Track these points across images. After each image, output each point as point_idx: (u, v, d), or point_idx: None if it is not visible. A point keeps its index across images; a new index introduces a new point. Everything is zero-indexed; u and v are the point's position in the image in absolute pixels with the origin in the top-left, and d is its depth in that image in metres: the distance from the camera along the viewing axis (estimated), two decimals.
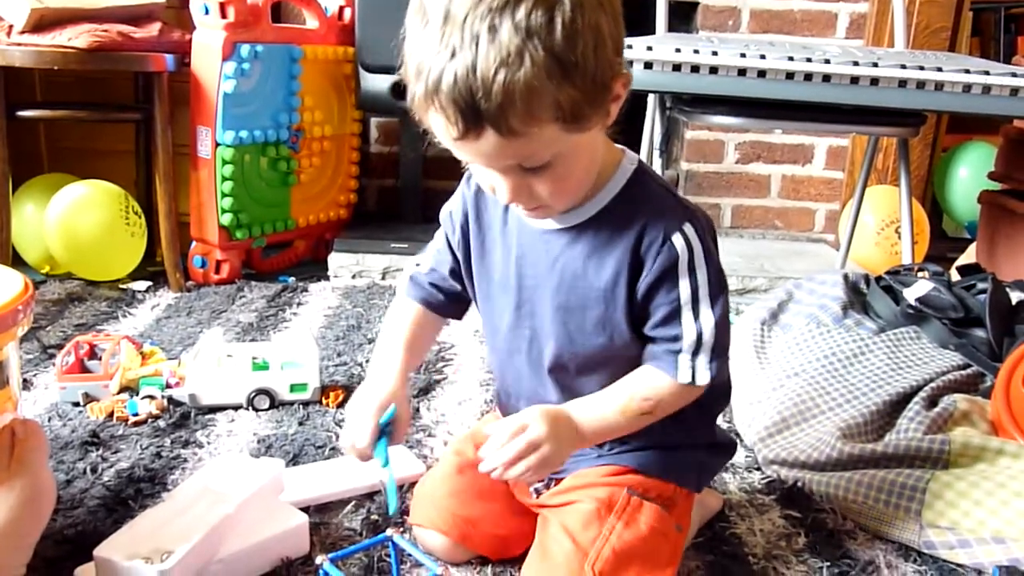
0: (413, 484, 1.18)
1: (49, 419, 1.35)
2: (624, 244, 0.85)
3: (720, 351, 0.88)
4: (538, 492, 0.99)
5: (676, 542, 0.96)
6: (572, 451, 0.88)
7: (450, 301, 1.02)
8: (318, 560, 0.85)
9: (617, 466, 0.95)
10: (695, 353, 0.87)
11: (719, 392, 0.99)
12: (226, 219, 2.05)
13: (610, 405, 0.88)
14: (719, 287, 0.87)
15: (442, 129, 0.74)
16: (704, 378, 0.87)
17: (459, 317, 1.04)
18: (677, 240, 0.84)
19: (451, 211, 0.97)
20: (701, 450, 1.00)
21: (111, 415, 1.36)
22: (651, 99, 1.74)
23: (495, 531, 1.00)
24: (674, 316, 0.86)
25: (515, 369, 0.97)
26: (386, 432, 0.90)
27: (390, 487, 0.88)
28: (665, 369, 0.88)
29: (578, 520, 0.91)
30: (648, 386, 0.88)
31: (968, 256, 2.16)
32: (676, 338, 0.87)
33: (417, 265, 1.02)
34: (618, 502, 0.92)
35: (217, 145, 2.01)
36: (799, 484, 1.22)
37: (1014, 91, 1.47)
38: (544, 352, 0.92)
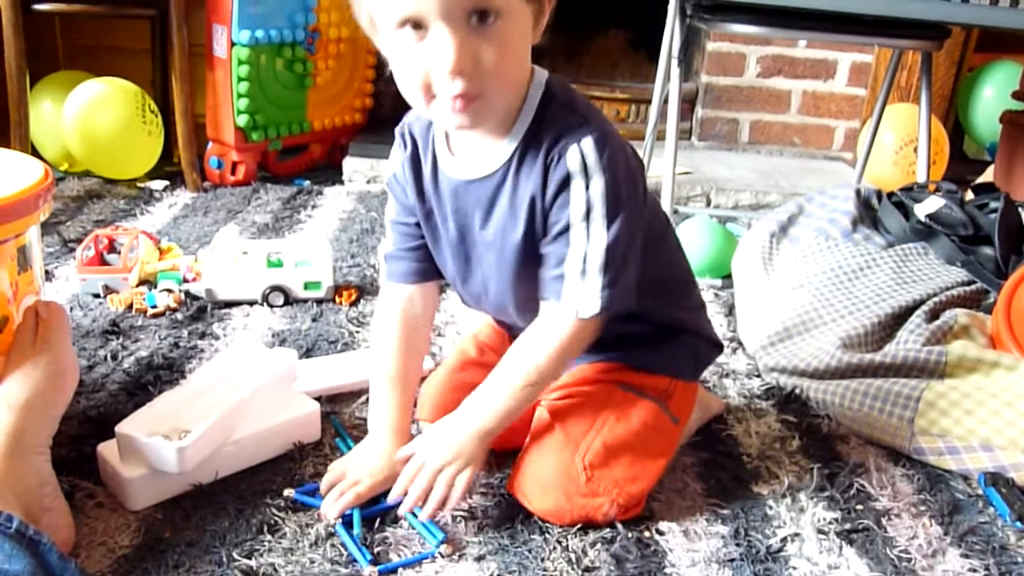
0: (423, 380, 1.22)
1: (71, 309, 1.39)
2: (536, 173, 0.84)
3: (613, 276, 0.83)
4: None
5: (672, 434, 1.00)
6: (483, 449, 0.90)
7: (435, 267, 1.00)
8: (286, 493, 0.93)
9: (610, 363, 0.98)
10: (583, 274, 0.83)
11: (687, 278, 1.03)
12: (242, 120, 2.06)
13: (499, 398, 0.89)
14: (617, 205, 0.83)
15: None
16: (591, 308, 0.84)
17: None
18: (572, 154, 0.82)
19: (394, 173, 0.96)
20: (692, 336, 1.03)
21: (130, 307, 1.40)
22: (671, 5, 1.71)
23: None
24: (563, 232, 0.84)
25: (484, 308, 1.00)
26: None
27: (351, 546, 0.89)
28: (552, 298, 0.86)
29: (570, 415, 0.95)
30: (525, 365, 0.88)
31: (987, 177, 2.14)
32: (561, 259, 0.84)
33: (387, 250, 1.01)
34: (611, 398, 0.96)
35: (233, 44, 2.00)
36: (797, 391, 1.25)
37: None
38: (503, 296, 0.94)
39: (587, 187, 0.82)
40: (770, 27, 1.55)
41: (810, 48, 2.51)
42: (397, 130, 0.94)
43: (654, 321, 0.98)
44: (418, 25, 0.75)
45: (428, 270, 0.99)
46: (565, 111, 0.85)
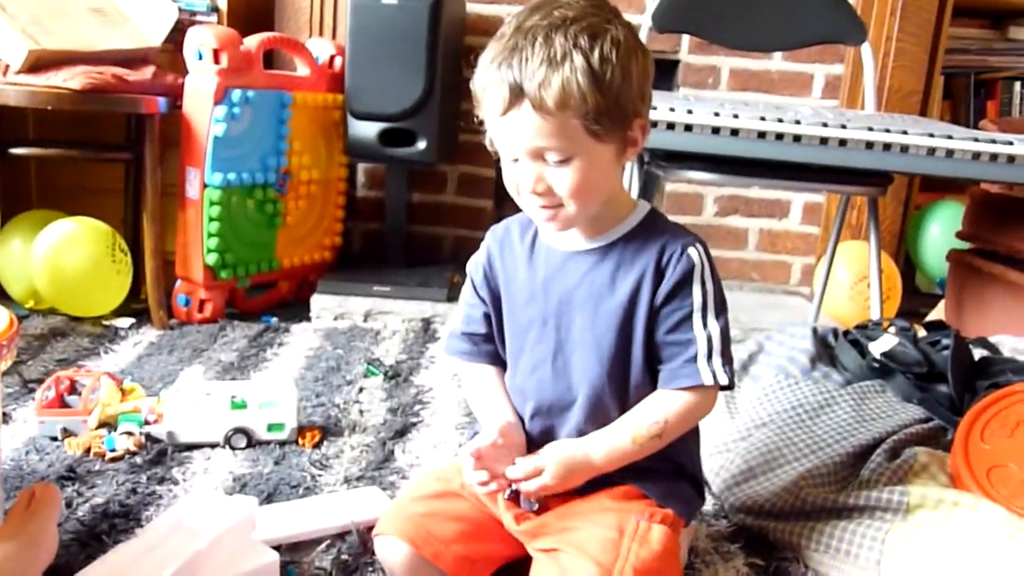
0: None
1: (27, 453, 1.36)
2: (646, 258, 0.99)
3: (728, 358, 0.99)
4: (535, 512, 1.02)
5: (679, 564, 1.02)
6: (583, 480, 1.00)
7: (494, 350, 1.10)
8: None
9: (622, 486, 1.02)
10: (709, 357, 0.97)
11: (698, 426, 1.08)
12: (211, 259, 2.08)
13: (621, 434, 0.98)
14: (723, 303, 1.00)
15: (492, 104, 0.92)
16: (724, 378, 0.97)
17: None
18: (693, 252, 0.98)
19: (476, 260, 1.11)
20: (693, 481, 1.08)
21: (88, 450, 1.37)
22: None
23: (465, 553, 1.01)
24: (686, 320, 0.97)
25: (537, 383, 1.04)
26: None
27: None
28: (687, 377, 0.97)
29: (594, 544, 0.94)
30: (654, 414, 0.98)
31: (938, 312, 2.21)
32: (689, 342, 0.97)
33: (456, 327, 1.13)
34: (628, 526, 0.97)
35: (205, 186, 2.04)
36: (763, 532, 1.24)
37: (975, 155, 1.53)
38: (571, 361, 1.01)
39: (703, 283, 0.98)
40: (723, 175, 1.63)
41: (764, 189, 2.62)
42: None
43: (673, 459, 1.04)
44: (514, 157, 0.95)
45: (495, 357, 1.11)
46: (677, 225, 1.03)
